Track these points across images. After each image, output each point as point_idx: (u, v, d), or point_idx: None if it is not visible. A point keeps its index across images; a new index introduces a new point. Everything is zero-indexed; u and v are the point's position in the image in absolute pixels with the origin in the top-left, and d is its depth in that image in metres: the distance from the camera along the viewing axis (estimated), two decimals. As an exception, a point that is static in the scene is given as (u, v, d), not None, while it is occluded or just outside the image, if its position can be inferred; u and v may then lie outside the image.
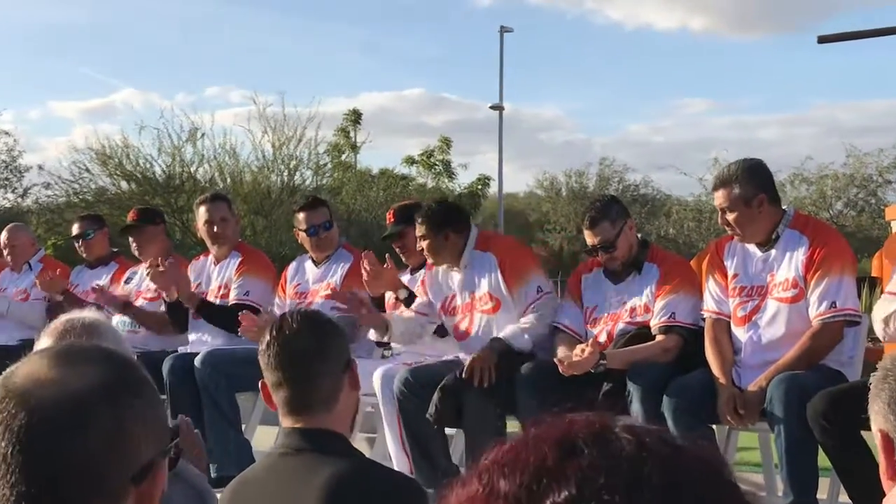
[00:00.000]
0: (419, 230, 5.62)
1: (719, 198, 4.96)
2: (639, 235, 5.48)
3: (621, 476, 0.92)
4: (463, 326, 5.71)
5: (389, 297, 6.14)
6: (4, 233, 8.15)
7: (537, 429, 0.99)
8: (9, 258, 8.01)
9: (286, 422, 2.70)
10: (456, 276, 5.74)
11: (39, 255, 8.13)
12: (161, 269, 6.60)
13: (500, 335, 5.42)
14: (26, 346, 7.35)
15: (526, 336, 5.40)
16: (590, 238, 5.34)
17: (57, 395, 1.47)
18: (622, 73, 67.29)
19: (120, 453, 1.48)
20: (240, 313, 5.99)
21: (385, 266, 5.99)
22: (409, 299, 5.98)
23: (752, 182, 4.90)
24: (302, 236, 6.61)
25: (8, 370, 1.54)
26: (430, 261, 5.73)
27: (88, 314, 2.89)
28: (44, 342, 2.74)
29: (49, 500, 1.45)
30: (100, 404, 1.48)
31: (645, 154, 67.46)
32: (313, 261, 6.62)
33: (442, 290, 5.81)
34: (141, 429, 1.51)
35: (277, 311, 6.52)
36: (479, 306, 5.64)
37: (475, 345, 5.53)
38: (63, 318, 2.85)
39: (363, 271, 5.95)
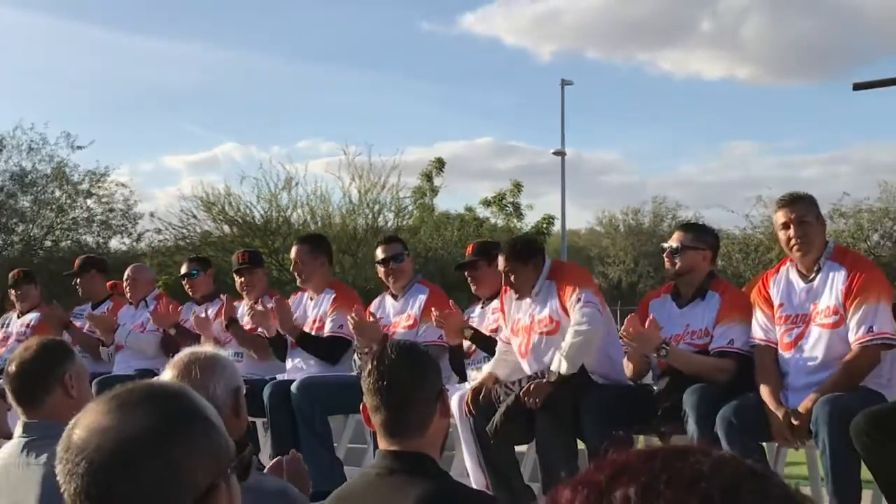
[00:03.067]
0: (506, 264, 5.54)
1: (797, 210, 4.90)
2: (712, 269, 5.44)
3: None
4: (522, 347, 5.63)
5: (467, 345, 6.17)
6: (129, 270, 8.32)
7: (627, 458, 0.95)
8: (129, 293, 8.14)
9: (383, 444, 2.70)
10: (526, 302, 5.64)
11: (154, 292, 8.26)
12: (261, 308, 6.71)
13: (550, 366, 5.29)
14: (143, 375, 7.44)
15: (564, 363, 5.19)
16: (672, 240, 5.38)
17: (110, 442, 1.48)
18: (673, 120, 66.94)
19: (175, 487, 1.48)
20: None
21: (448, 312, 6.02)
22: (475, 336, 6.01)
23: (816, 205, 4.95)
24: (379, 269, 6.67)
25: (72, 421, 1.55)
26: (515, 293, 5.64)
27: (208, 349, 2.95)
28: (168, 374, 2.80)
29: None
30: (147, 447, 1.48)
31: (695, 193, 66.91)
32: (393, 295, 6.66)
33: (512, 313, 5.72)
34: (196, 459, 1.51)
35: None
36: (537, 328, 5.52)
37: (533, 364, 5.51)
38: (187, 351, 2.91)
39: (433, 320, 6.02)
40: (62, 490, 1.49)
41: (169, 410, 1.54)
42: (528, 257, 5.57)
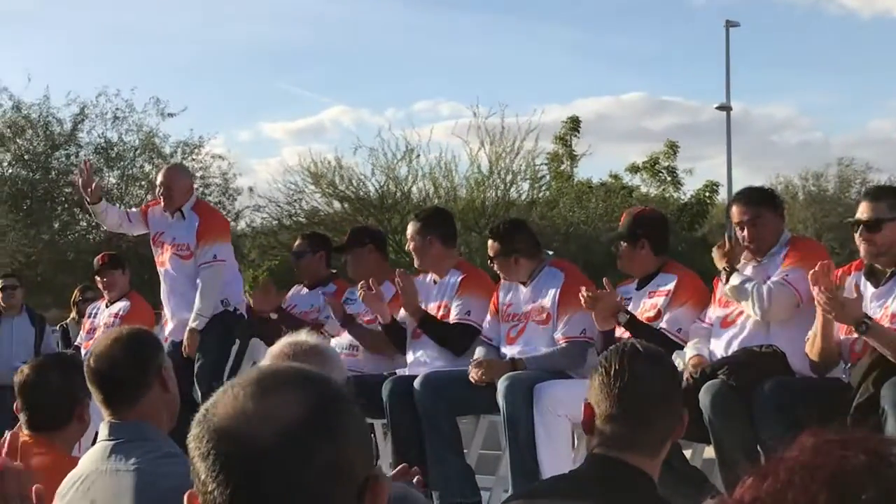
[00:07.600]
0: (747, 211, 5.67)
1: None
2: None
3: None
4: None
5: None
6: (161, 173, 8.09)
7: (800, 456, 0.91)
8: (161, 199, 7.78)
9: (599, 450, 2.65)
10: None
11: (192, 202, 7.82)
12: (373, 291, 6.72)
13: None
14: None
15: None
16: (865, 211, 5.16)
17: (272, 431, 1.45)
18: (861, 66, 64.84)
19: (342, 478, 1.48)
20: (472, 365, 6.20)
21: (604, 291, 5.89)
22: (630, 322, 5.84)
23: None
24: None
25: (203, 408, 1.51)
26: (751, 244, 5.69)
27: (310, 338, 2.96)
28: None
29: None
30: (316, 433, 1.47)
31: (891, 152, 64.69)
32: (522, 282, 6.55)
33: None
34: (355, 449, 1.51)
35: (488, 327, 6.53)
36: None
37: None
38: (285, 340, 2.94)
39: (581, 300, 5.89)
40: (209, 490, 1.45)
41: (325, 392, 1.54)
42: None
